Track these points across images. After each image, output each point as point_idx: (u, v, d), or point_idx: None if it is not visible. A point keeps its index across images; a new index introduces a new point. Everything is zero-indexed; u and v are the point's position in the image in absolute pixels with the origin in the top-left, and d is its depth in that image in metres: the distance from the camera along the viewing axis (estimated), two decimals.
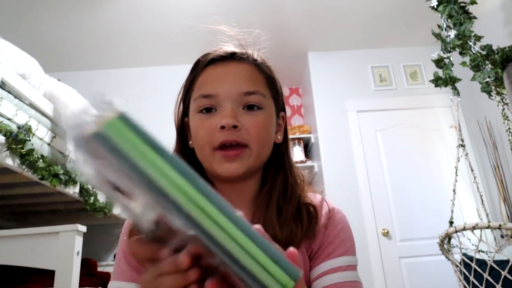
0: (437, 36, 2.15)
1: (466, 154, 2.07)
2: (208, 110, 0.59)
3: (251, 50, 0.66)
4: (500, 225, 1.48)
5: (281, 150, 0.67)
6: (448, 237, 1.74)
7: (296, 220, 0.59)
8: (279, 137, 0.66)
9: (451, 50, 2.10)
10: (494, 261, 1.51)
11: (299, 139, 3.32)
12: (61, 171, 1.64)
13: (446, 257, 1.80)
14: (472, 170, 2.08)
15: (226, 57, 0.63)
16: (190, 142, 0.64)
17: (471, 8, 2.11)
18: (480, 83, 2.00)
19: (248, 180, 0.62)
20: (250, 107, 0.59)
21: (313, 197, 0.66)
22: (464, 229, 1.61)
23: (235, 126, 0.57)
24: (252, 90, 0.60)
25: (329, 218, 0.62)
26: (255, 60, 0.64)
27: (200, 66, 0.64)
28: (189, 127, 0.64)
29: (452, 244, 1.76)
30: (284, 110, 0.70)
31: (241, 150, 0.57)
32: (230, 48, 0.64)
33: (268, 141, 0.61)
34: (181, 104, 0.67)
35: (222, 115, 0.57)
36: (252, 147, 0.58)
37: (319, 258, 0.60)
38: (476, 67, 1.99)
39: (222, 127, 0.56)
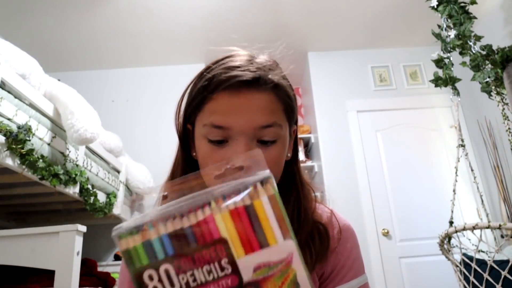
0: (437, 36, 2.15)
1: (466, 154, 2.07)
2: (220, 141, 0.54)
3: (268, 71, 0.57)
4: (500, 225, 1.48)
5: (291, 168, 0.62)
6: (448, 237, 1.74)
7: (310, 245, 0.56)
8: (288, 154, 0.61)
9: (451, 50, 2.10)
10: (494, 261, 1.51)
11: (299, 139, 3.32)
12: (61, 171, 1.64)
13: (446, 257, 1.80)
14: (472, 170, 2.08)
15: (241, 85, 0.54)
16: (194, 154, 0.60)
17: (471, 8, 2.11)
18: (480, 83, 2.00)
19: None
20: (264, 141, 0.54)
21: (321, 209, 0.63)
22: (464, 229, 1.61)
23: None
24: (269, 123, 0.54)
25: (340, 238, 0.60)
26: (274, 86, 0.56)
27: (211, 88, 0.55)
28: (191, 135, 0.60)
29: (452, 244, 1.76)
30: (296, 123, 0.65)
31: None
32: (247, 71, 0.54)
33: (279, 171, 0.57)
34: (182, 110, 0.61)
35: (235, 151, 0.52)
36: None
37: (331, 283, 0.58)
38: (476, 67, 1.99)
39: None
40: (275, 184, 0.33)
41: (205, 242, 0.31)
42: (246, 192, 0.32)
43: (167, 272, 0.31)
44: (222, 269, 0.31)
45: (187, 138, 0.62)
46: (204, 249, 0.31)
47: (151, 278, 0.31)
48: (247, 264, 0.31)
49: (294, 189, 0.61)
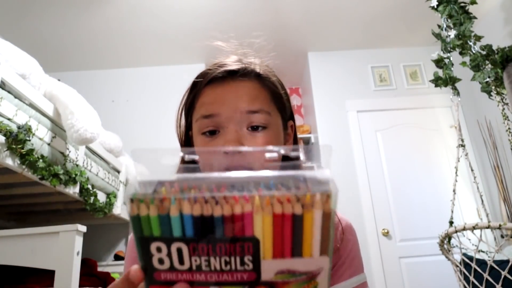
0: (437, 36, 2.15)
1: (466, 154, 2.07)
2: (212, 132, 0.56)
3: (252, 64, 0.61)
4: (500, 225, 1.48)
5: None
6: (448, 237, 1.74)
7: None
8: None
9: (451, 50, 2.10)
10: (494, 261, 1.51)
11: (299, 139, 3.32)
12: (61, 171, 1.64)
13: (446, 257, 1.80)
14: (472, 170, 2.08)
15: (226, 76, 0.59)
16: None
17: (471, 8, 2.11)
18: (480, 83, 2.00)
19: None
20: (254, 128, 0.56)
21: None
22: (464, 229, 1.61)
23: None
24: (255, 109, 0.56)
25: (342, 238, 0.61)
26: (258, 75, 0.60)
27: (200, 86, 0.60)
28: (192, 140, 0.62)
29: (452, 244, 1.76)
30: (293, 118, 0.66)
31: None
32: (230, 65, 0.60)
33: None
34: (182, 120, 0.64)
35: (225, 139, 0.54)
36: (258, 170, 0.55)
37: (331, 280, 0.59)
38: (476, 67, 1.99)
39: (226, 152, 0.53)
40: (336, 202, 0.27)
41: (234, 236, 0.27)
42: (299, 195, 0.27)
43: (179, 251, 0.28)
44: (243, 263, 0.28)
45: (190, 145, 0.64)
46: (230, 243, 0.28)
47: (159, 250, 0.28)
48: (271, 266, 0.28)
49: None
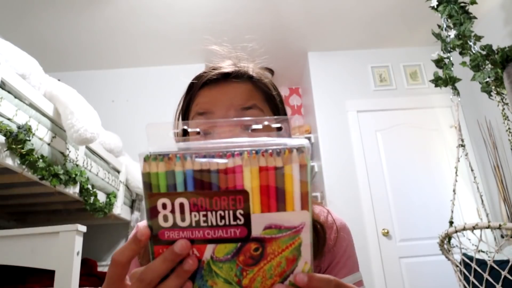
0: (437, 36, 2.15)
1: (466, 154, 2.07)
2: (206, 132, 0.59)
3: (246, 63, 0.65)
4: (500, 225, 1.48)
5: None
6: (448, 237, 1.74)
7: None
8: None
9: (451, 50, 2.10)
10: (494, 261, 1.51)
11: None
12: (61, 171, 1.64)
13: (446, 257, 1.80)
14: (472, 170, 2.08)
15: (220, 78, 0.61)
16: None
17: (471, 8, 2.11)
18: (480, 83, 2.00)
19: None
20: (247, 126, 0.58)
21: (319, 210, 0.65)
22: (464, 229, 1.61)
23: None
24: (249, 105, 0.58)
25: (336, 237, 0.62)
26: (251, 78, 0.63)
27: (195, 88, 0.62)
28: None
29: (452, 244, 1.76)
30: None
31: None
32: (224, 68, 0.63)
33: None
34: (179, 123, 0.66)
35: (219, 138, 0.56)
36: None
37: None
38: (476, 67, 1.99)
39: None
40: (309, 156, 0.33)
41: (227, 189, 0.32)
42: (280, 153, 0.32)
43: (181, 206, 0.32)
44: (235, 218, 0.32)
45: None
46: (224, 195, 0.32)
47: (164, 206, 0.32)
48: (260, 221, 0.32)
49: None
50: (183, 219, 0.32)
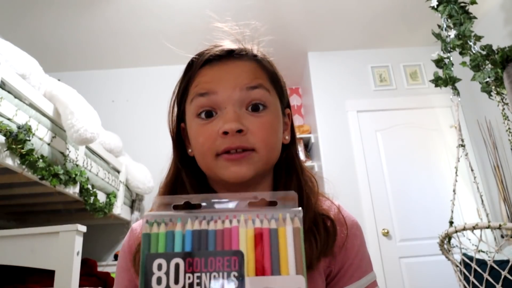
0: (437, 36, 2.15)
1: (466, 154, 2.07)
2: (208, 114, 0.54)
3: (249, 45, 0.60)
4: (500, 225, 1.48)
5: (290, 152, 0.61)
6: (448, 237, 1.74)
7: (314, 233, 0.53)
8: (286, 137, 0.61)
9: (451, 50, 2.10)
10: (494, 261, 1.51)
11: (299, 139, 3.32)
12: (61, 171, 1.64)
13: (446, 257, 1.80)
14: (472, 170, 2.08)
15: (223, 55, 0.57)
16: (190, 150, 0.59)
17: (471, 8, 2.11)
18: (480, 83, 2.00)
19: (257, 186, 0.57)
20: (254, 109, 0.53)
21: (327, 205, 0.61)
22: (464, 229, 1.61)
23: (239, 131, 0.51)
24: (255, 84, 0.54)
25: (348, 236, 0.57)
26: (255, 56, 0.59)
27: (195, 67, 0.57)
28: (186, 133, 0.60)
29: (452, 244, 1.76)
30: (289, 106, 0.64)
31: (248, 152, 0.52)
32: (227, 45, 0.58)
33: (276, 143, 0.56)
34: (175, 109, 0.62)
35: (224, 120, 0.51)
36: (259, 151, 0.52)
37: (340, 282, 0.56)
38: (476, 67, 1.99)
39: (225, 133, 0.51)
40: (301, 221, 0.34)
41: (223, 249, 0.33)
42: (274, 218, 0.34)
43: (176, 266, 0.32)
44: (230, 281, 0.32)
45: (181, 137, 0.61)
46: (219, 256, 0.32)
47: (159, 267, 0.32)
48: (254, 284, 0.32)
49: (295, 174, 0.60)
50: (176, 281, 0.32)
